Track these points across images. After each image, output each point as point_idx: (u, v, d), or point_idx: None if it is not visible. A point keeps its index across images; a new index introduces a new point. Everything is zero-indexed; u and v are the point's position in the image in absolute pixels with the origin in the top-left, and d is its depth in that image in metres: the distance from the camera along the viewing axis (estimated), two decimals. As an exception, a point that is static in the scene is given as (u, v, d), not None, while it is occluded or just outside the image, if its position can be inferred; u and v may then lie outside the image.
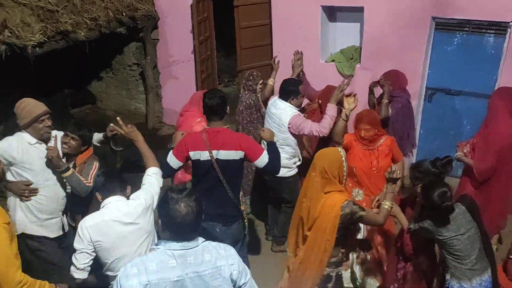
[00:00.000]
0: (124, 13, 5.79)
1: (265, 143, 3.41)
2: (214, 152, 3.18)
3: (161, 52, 6.47)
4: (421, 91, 5.10)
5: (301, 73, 4.47)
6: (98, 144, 3.65)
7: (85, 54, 5.53)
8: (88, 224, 2.57)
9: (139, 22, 6.02)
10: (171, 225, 2.00)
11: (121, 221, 2.60)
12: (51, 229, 3.40)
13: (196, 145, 3.16)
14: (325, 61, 5.48)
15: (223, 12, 6.61)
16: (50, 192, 3.31)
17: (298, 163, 4.18)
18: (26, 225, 3.31)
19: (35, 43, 4.82)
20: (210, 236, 3.33)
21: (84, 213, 2.97)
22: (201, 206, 2.03)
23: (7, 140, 3.18)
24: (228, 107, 3.33)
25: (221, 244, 2.13)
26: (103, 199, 2.69)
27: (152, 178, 2.85)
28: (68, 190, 3.42)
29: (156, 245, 2.06)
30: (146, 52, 6.45)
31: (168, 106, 6.70)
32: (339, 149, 2.88)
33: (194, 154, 3.18)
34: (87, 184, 3.26)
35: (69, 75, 6.79)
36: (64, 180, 3.28)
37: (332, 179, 2.72)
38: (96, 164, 3.41)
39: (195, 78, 6.28)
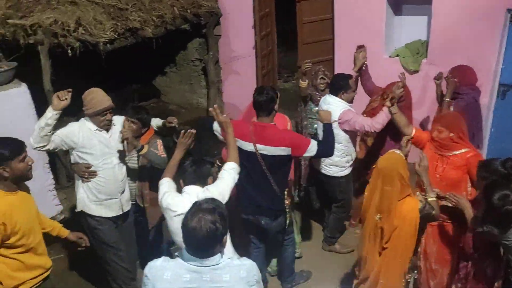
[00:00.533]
0: (188, 10, 5.95)
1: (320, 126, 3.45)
2: (259, 146, 3.24)
3: (223, 48, 6.58)
4: (493, 87, 4.84)
5: (363, 67, 4.37)
6: (156, 129, 3.82)
7: (151, 50, 5.74)
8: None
9: (202, 18, 6.16)
10: (184, 238, 1.98)
11: None
12: (110, 209, 3.61)
13: (241, 133, 3.22)
14: (389, 56, 5.33)
15: (284, 7, 6.61)
16: (109, 175, 3.51)
17: (351, 162, 4.11)
18: (85, 203, 3.56)
19: (106, 40, 5.07)
20: (256, 228, 3.43)
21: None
22: (220, 226, 1.94)
23: (71, 125, 3.44)
24: (276, 104, 3.38)
25: (244, 264, 2.08)
26: (185, 185, 2.79)
27: (226, 173, 2.84)
28: (123, 175, 3.61)
29: (180, 254, 2.05)
30: (209, 48, 6.59)
31: (229, 100, 6.82)
32: (397, 151, 2.83)
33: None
34: (162, 156, 3.50)
35: (136, 70, 7.08)
36: (143, 157, 3.48)
37: (408, 184, 2.67)
38: (159, 141, 3.62)
39: (255, 74, 6.34)
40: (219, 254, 2.00)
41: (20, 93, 4.51)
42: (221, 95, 6.95)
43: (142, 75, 7.34)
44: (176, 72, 7.28)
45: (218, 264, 1.99)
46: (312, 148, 3.23)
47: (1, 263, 2.53)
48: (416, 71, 5.03)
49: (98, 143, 3.44)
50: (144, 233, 3.93)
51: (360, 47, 4.31)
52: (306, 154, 3.28)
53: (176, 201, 2.69)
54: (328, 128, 3.35)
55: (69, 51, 4.83)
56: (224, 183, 2.78)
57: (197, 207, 1.97)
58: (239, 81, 6.55)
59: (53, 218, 4.92)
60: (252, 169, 3.29)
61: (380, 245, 2.82)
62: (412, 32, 5.26)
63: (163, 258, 2.07)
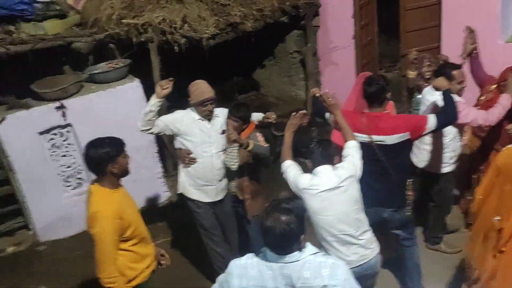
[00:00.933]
0: (287, 3, 5.97)
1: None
2: (375, 137, 3.14)
3: (321, 39, 6.51)
4: None
5: (473, 53, 4.02)
6: (257, 123, 3.91)
7: (251, 43, 5.87)
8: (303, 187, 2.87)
9: (301, 10, 6.15)
10: (262, 235, 2.02)
11: (330, 188, 2.82)
12: (207, 195, 3.79)
13: (353, 125, 3.15)
14: (505, 42, 4.85)
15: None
16: (207, 163, 3.69)
17: (455, 158, 3.83)
18: (185, 187, 3.80)
19: (209, 36, 5.30)
20: (378, 220, 3.33)
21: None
22: (294, 227, 1.96)
23: (177, 113, 3.70)
24: (389, 93, 3.28)
25: (329, 262, 2.04)
26: (313, 167, 2.90)
27: (352, 150, 2.96)
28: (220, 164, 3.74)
29: (263, 250, 2.09)
30: (307, 39, 6.56)
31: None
32: None
33: None
34: (265, 145, 3.67)
35: (236, 64, 7.30)
36: (251, 151, 3.59)
37: None
38: (258, 134, 3.75)
39: (355, 64, 6.18)
40: (298, 251, 2.02)
41: (133, 88, 4.91)
42: (319, 86, 6.89)
43: (243, 68, 7.53)
44: (275, 64, 7.36)
45: (298, 261, 2.00)
46: (431, 121, 3.13)
47: (121, 256, 2.71)
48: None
49: (199, 131, 3.64)
50: (242, 225, 4.06)
51: (470, 31, 3.96)
52: (427, 131, 3.17)
53: (316, 180, 2.84)
54: (446, 95, 3.21)
55: (176, 47, 5.14)
56: (355, 158, 2.93)
57: (274, 206, 2.01)
58: (338, 72, 6.44)
59: (162, 203, 5.33)
60: (370, 160, 3.18)
61: (496, 247, 2.61)
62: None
63: (246, 256, 2.15)
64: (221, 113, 3.76)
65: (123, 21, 5.05)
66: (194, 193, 3.80)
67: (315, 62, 6.71)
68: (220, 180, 3.81)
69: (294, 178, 2.92)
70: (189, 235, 4.71)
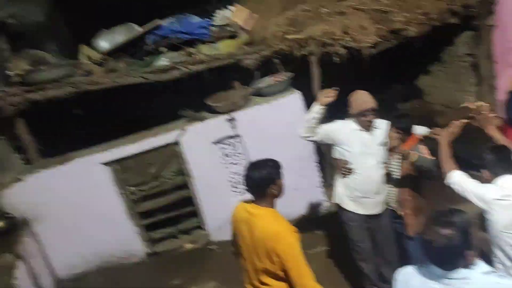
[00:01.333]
0: (457, 3, 5.53)
1: None
2: None
3: (497, 39, 5.86)
4: None
5: None
6: (421, 138, 3.62)
7: (414, 49, 5.59)
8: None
9: (473, 9, 5.63)
10: (424, 249, 1.96)
11: None
12: (363, 207, 3.71)
13: None
14: None
15: None
16: (365, 174, 3.63)
17: None
18: (342, 197, 3.76)
19: (370, 45, 5.22)
20: None
21: None
22: (456, 241, 1.85)
23: (335, 122, 3.74)
24: None
25: (503, 283, 1.88)
26: (492, 177, 2.68)
27: None
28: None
29: (424, 265, 2.02)
30: (481, 40, 5.97)
31: (504, 98, 6.02)
32: None
33: None
34: (431, 158, 3.44)
35: (399, 71, 7.02)
36: (415, 163, 3.45)
37: None
38: (422, 146, 3.53)
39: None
40: (465, 268, 1.91)
41: (294, 99, 5.12)
42: (494, 92, 6.19)
43: (405, 75, 7.21)
44: (442, 69, 6.86)
45: (465, 279, 1.89)
46: None
47: None
48: None
49: (358, 142, 3.62)
50: (401, 242, 3.88)
51: None
52: None
53: (507, 190, 2.56)
54: None
55: (336, 59, 5.19)
56: None
57: (435, 219, 1.94)
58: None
59: (320, 213, 5.41)
60: None
61: None
62: None
63: (412, 266, 2.09)
64: (382, 124, 3.67)
65: (287, 37, 5.29)
66: (350, 205, 3.76)
67: (489, 65, 6.06)
68: (378, 193, 3.72)
69: (477, 189, 2.63)
70: (346, 246, 4.75)
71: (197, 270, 4.97)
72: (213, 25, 5.63)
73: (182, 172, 5.22)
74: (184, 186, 5.30)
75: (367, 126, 3.62)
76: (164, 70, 5.34)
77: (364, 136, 3.63)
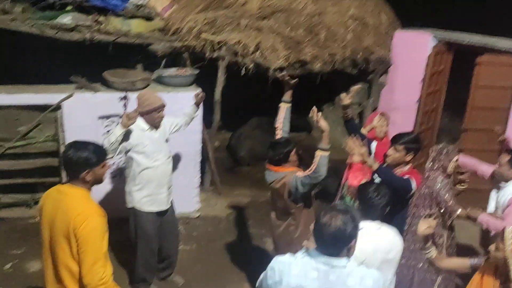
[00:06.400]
0: (359, 54, 6.06)
1: None
2: None
3: (384, 97, 6.52)
4: None
5: None
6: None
7: (314, 87, 5.97)
8: None
9: (371, 64, 6.22)
10: (316, 233, 2.01)
11: None
12: (157, 204, 3.88)
13: None
14: None
15: (462, 68, 6.29)
16: (158, 171, 3.82)
17: None
18: (140, 201, 3.83)
19: (277, 67, 5.46)
20: None
21: None
22: (348, 231, 1.95)
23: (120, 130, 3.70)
24: None
25: (372, 273, 2.04)
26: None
27: None
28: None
29: (307, 253, 2.08)
30: (370, 94, 6.59)
31: (378, 150, 6.67)
32: None
33: None
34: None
35: (296, 102, 7.40)
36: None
37: None
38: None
39: (413, 128, 6.12)
40: (346, 257, 2.01)
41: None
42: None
43: (300, 107, 7.62)
44: (333, 112, 7.41)
45: (345, 267, 1.99)
46: None
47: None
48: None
49: (148, 141, 3.76)
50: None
51: None
52: None
53: None
54: None
55: (243, 70, 5.32)
56: None
57: (331, 207, 2.03)
58: (394, 132, 6.37)
59: (191, 213, 5.39)
60: None
61: None
62: None
63: (289, 254, 2.13)
64: (164, 121, 3.90)
65: (202, 35, 5.31)
66: (147, 205, 3.86)
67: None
68: (169, 187, 3.95)
69: None
70: (208, 247, 4.82)
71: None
72: (130, 2, 5.44)
73: (57, 139, 4.84)
74: (54, 153, 4.91)
75: (158, 123, 3.79)
76: (66, 29, 4.99)
77: (153, 135, 3.79)
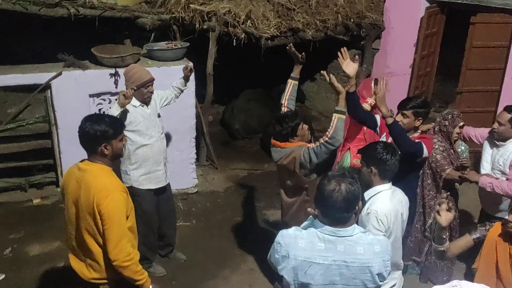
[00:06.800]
0: (352, 19, 5.95)
1: None
2: None
3: (378, 62, 6.45)
4: None
5: None
6: None
7: (307, 54, 5.86)
8: None
9: (364, 29, 6.11)
10: (322, 204, 1.95)
11: None
12: (155, 181, 3.79)
13: None
14: None
15: (455, 30, 6.23)
16: (154, 148, 3.71)
17: None
18: (137, 179, 3.73)
19: (269, 36, 5.34)
20: None
21: None
22: (356, 192, 1.92)
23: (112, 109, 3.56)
24: None
25: (378, 239, 2.02)
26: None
27: None
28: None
29: (310, 225, 2.04)
30: (363, 61, 6.50)
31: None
32: None
33: None
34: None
35: (288, 71, 7.31)
36: None
37: None
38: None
39: (407, 93, 6.08)
40: (353, 225, 1.98)
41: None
42: (365, 109, 6.81)
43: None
44: (325, 80, 7.32)
45: (352, 236, 1.96)
46: None
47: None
48: None
49: (141, 117, 3.62)
50: None
51: None
52: None
53: None
54: None
55: (234, 41, 5.20)
56: None
57: (332, 176, 1.96)
58: (389, 98, 6.29)
59: (189, 189, 5.35)
60: None
61: None
62: None
63: (294, 227, 2.09)
64: (154, 96, 3.77)
65: (191, 6, 5.15)
66: (145, 183, 3.76)
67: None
68: (165, 164, 3.85)
69: None
70: (207, 222, 4.81)
71: (42, 227, 4.52)
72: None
73: (48, 119, 4.72)
74: (46, 135, 4.80)
75: (148, 99, 3.65)
76: (49, 4, 4.80)
77: (145, 111, 3.66)
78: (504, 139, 3.51)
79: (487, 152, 3.66)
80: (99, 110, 4.76)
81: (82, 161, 2.56)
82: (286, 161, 3.21)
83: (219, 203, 5.20)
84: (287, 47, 3.56)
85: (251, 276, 4.05)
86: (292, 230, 2.04)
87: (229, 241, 4.52)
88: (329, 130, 3.03)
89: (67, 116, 4.63)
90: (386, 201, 2.57)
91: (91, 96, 4.68)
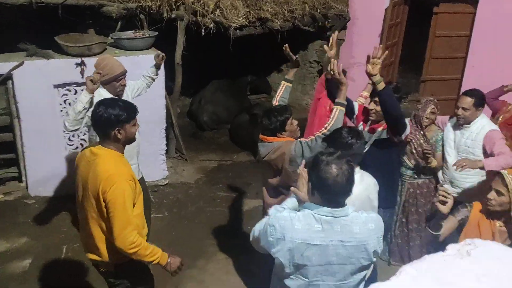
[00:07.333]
0: (318, 10, 6.03)
1: None
2: None
3: (343, 53, 6.56)
4: None
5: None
6: None
7: (273, 45, 5.88)
8: None
9: (330, 20, 6.20)
10: (321, 187, 1.95)
11: None
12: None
13: None
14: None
15: (417, 19, 6.43)
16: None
17: None
18: None
19: (238, 26, 5.32)
20: None
21: None
22: (352, 171, 1.95)
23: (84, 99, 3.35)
24: None
25: (372, 217, 2.05)
26: None
27: None
28: None
29: (305, 207, 2.03)
30: (329, 51, 6.60)
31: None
32: None
33: None
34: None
35: (256, 63, 7.32)
36: None
37: None
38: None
39: (372, 83, 6.22)
40: (347, 205, 2.00)
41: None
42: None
43: (260, 69, 7.56)
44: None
45: (347, 216, 1.98)
46: None
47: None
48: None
49: None
50: None
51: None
52: None
53: None
54: None
55: (203, 30, 5.14)
56: None
57: (327, 158, 1.95)
58: (354, 87, 6.44)
59: (159, 181, 5.26)
60: None
61: None
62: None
63: (288, 210, 2.08)
64: (128, 87, 3.66)
65: (158, -7, 5.05)
66: None
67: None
68: (138, 157, 3.72)
69: None
70: (180, 213, 4.77)
71: (6, 223, 4.34)
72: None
73: (9, 112, 4.51)
74: (7, 128, 4.59)
75: (121, 92, 3.50)
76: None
77: None
78: (469, 122, 3.65)
79: (450, 138, 3.77)
80: (64, 101, 4.60)
81: (95, 145, 2.57)
82: (274, 156, 3.06)
83: (190, 194, 5.16)
84: (283, 48, 3.47)
85: (227, 265, 4.04)
86: (287, 213, 2.03)
87: (203, 231, 4.49)
88: (328, 122, 2.96)
89: (30, 107, 4.45)
90: (354, 186, 2.59)
91: (55, 86, 4.51)
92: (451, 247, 1.22)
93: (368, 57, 3.04)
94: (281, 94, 3.44)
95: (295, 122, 3.15)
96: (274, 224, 2.00)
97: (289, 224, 1.97)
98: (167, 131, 5.38)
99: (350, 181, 1.94)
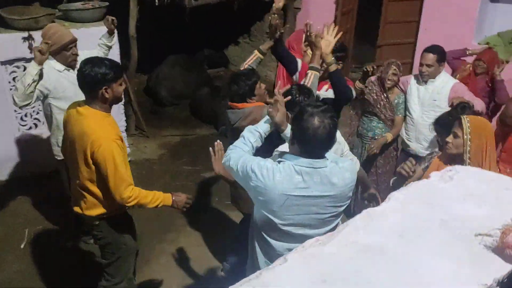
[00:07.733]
0: (273, -22, 5.94)
1: None
2: None
3: (300, 22, 6.54)
4: None
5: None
6: None
7: (228, 17, 5.79)
8: None
9: (285, -11, 6.14)
10: (302, 138, 1.92)
11: None
12: None
13: None
14: (478, 43, 5.10)
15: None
16: None
17: None
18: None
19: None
20: None
21: None
22: (335, 125, 1.92)
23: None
24: None
25: (346, 166, 2.02)
26: None
27: None
28: None
29: (284, 158, 2.00)
30: (286, 21, 6.56)
31: (298, 76, 6.79)
32: None
33: None
34: None
35: (211, 36, 7.18)
36: None
37: None
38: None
39: (330, 51, 6.26)
40: (326, 157, 1.99)
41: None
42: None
43: (216, 42, 7.43)
44: (249, 42, 7.32)
45: (326, 167, 1.96)
46: None
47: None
48: (507, 62, 4.78)
49: (68, 83, 3.27)
50: None
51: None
52: None
53: None
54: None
55: (157, 1, 4.96)
56: None
57: (312, 109, 1.91)
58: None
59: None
60: None
61: None
62: (508, 21, 5.00)
63: (270, 159, 2.05)
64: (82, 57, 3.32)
65: (107, -38, 4.80)
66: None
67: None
68: None
69: None
70: (145, 188, 4.54)
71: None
72: None
73: (-48, 92, 4.22)
74: (-47, 110, 4.29)
75: (73, 62, 3.31)
76: None
77: (71, 76, 3.18)
78: (433, 77, 3.74)
79: (414, 95, 3.86)
80: (13, 79, 4.34)
81: (81, 104, 2.52)
82: (246, 122, 2.90)
83: (155, 170, 5.05)
84: (271, 16, 3.29)
85: (198, 237, 4.01)
86: (270, 163, 1.99)
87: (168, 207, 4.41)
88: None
89: (-24, 87, 4.17)
90: None
91: (3, 63, 4.24)
92: (433, 175, 1.25)
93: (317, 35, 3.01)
94: (250, 63, 3.27)
95: (263, 86, 3.05)
96: (256, 171, 1.96)
97: (270, 175, 1.94)
98: (125, 108, 5.21)
99: (330, 136, 1.91)
